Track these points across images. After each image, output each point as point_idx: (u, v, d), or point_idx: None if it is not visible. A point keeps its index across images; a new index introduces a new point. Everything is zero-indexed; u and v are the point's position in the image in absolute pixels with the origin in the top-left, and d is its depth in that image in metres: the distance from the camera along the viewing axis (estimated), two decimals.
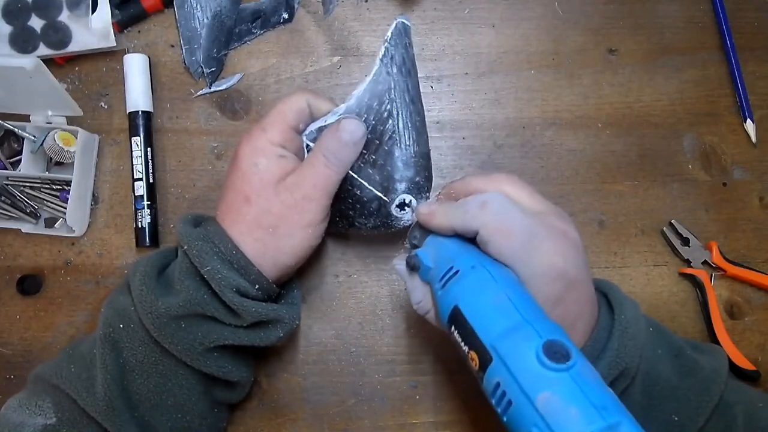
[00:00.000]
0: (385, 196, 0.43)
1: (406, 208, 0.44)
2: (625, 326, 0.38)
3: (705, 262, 0.52)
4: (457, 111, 0.55)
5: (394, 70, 0.43)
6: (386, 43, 0.43)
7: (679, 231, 0.53)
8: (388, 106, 0.43)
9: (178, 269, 0.40)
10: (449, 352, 0.51)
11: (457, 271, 0.35)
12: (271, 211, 0.40)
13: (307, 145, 0.44)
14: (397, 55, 0.43)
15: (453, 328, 0.34)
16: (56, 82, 0.47)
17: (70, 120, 0.52)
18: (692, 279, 0.52)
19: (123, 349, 0.40)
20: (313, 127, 0.43)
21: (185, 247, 0.40)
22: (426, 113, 0.54)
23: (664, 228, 0.53)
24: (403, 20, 0.43)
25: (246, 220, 0.40)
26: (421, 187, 0.45)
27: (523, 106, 0.55)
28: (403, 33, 0.43)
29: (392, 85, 0.43)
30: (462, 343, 0.33)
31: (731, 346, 0.50)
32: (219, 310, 0.39)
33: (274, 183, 0.40)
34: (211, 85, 0.54)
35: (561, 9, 0.57)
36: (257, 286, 0.40)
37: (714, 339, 0.50)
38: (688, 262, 0.52)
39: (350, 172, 0.43)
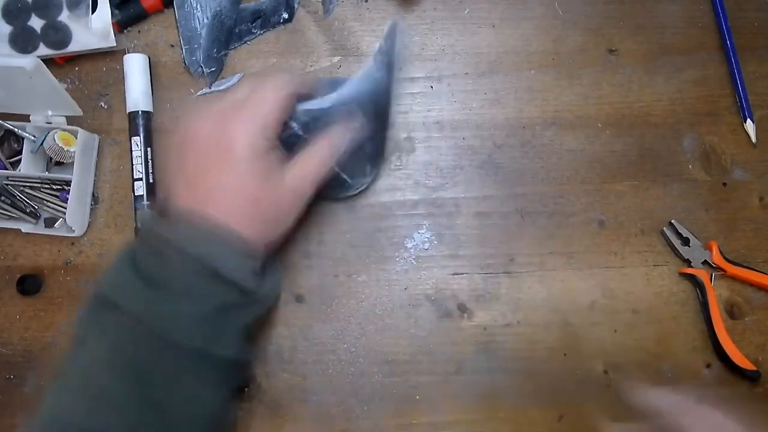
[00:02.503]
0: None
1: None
2: None
3: (705, 262, 0.52)
4: (457, 111, 0.55)
5: (384, 66, 0.48)
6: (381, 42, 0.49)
7: (679, 231, 0.53)
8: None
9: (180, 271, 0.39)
10: (448, 353, 0.51)
11: None
12: (276, 204, 0.42)
13: (294, 130, 0.46)
14: (386, 50, 0.49)
15: None
16: (56, 82, 0.47)
17: (70, 120, 0.52)
18: (692, 279, 0.52)
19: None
20: (301, 108, 0.46)
21: (192, 252, 0.38)
22: (426, 113, 0.55)
23: (664, 228, 0.53)
24: (395, 20, 0.49)
25: (235, 212, 0.40)
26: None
27: (523, 106, 0.55)
28: (394, 32, 0.49)
29: (380, 81, 0.48)
30: None
31: (731, 346, 0.50)
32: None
33: (274, 175, 0.42)
34: (211, 85, 0.54)
35: (561, 9, 0.56)
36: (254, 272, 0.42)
37: (714, 339, 0.50)
38: (688, 262, 0.52)
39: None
